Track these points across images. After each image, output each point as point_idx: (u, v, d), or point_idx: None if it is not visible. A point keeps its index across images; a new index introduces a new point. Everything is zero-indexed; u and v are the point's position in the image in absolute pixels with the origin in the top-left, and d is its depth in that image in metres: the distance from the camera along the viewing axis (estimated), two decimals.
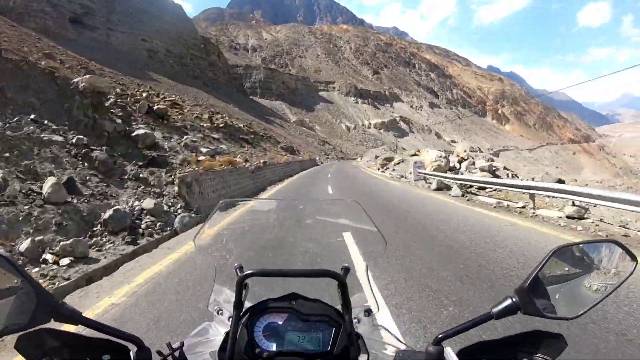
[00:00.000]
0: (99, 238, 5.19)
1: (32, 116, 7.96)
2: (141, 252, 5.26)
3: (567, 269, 0.71)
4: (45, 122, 8.06)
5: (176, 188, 7.22)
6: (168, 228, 6.27)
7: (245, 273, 0.73)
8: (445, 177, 13.68)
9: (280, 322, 0.74)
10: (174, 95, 30.79)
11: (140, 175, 7.55)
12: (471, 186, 11.68)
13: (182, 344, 0.72)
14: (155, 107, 15.88)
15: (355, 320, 0.78)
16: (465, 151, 17.44)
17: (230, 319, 0.75)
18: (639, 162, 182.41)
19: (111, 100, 14.78)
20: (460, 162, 16.79)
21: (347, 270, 0.80)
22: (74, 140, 7.59)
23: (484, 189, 11.16)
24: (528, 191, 8.33)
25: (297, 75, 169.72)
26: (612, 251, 0.70)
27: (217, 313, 0.85)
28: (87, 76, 10.59)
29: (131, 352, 0.66)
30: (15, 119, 7.43)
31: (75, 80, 9.67)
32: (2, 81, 8.64)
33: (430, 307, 3.03)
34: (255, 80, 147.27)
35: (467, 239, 5.36)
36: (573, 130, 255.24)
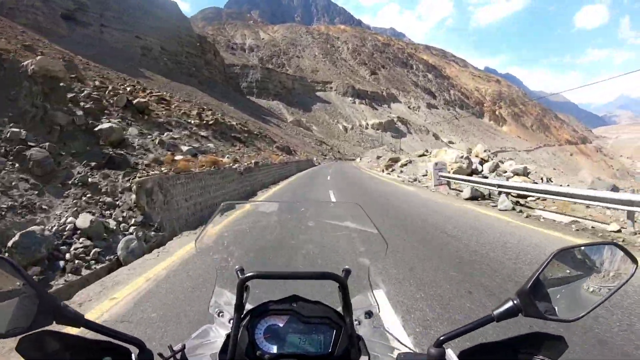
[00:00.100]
0: None
1: None
2: None
3: (568, 271, 0.71)
4: None
5: (134, 196, 5.60)
6: (108, 257, 4.61)
7: (246, 275, 0.73)
8: (484, 184, 10.69)
9: (281, 324, 0.74)
10: (164, 92, 29.09)
11: (90, 179, 5.90)
12: (525, 197, 8.90)
13: (184, 347, 0.72)
14: (135, 101, 14.21)
15: (356, 322, 0.79)
16: (485, 151, 15.24)
17: (231, 321, 0.75)
18: (635, 163, 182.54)
19: (86, 91, 13.15)
20: (481, 163, 14.71)
21: (348, 272, 0.81)
22: (8, 135, 5.95)
23: (524, 197, 8.90)
24: (627, 207, 5.98)
25: (294, 75, 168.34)
26: (613, 253, 0.71)
27: (218, 315, 0.85)
28: (38, 57, 8.92)
29: (133, 355, 0.67)
30: None
31: (25, 63, 8.00)
32: None
33: None
34: (252, 80, 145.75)
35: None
36: (570, 132, 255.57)
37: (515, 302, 0.67)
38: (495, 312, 0.68)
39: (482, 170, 14.22)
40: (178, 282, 3.73)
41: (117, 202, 5.58)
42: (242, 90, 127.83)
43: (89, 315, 3.88)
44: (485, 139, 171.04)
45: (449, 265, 4.23)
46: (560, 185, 9.79)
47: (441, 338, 0.67)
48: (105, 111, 12.45)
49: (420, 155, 25.96)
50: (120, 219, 5.28)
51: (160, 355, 0.68)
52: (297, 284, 0.78)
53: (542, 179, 11.39)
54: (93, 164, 6.52)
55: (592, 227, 6.63)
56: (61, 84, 8.73)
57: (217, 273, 0.93)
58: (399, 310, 2.99)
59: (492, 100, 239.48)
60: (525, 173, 12.53)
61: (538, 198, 8.68)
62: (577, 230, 6.49)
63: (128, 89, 20.64)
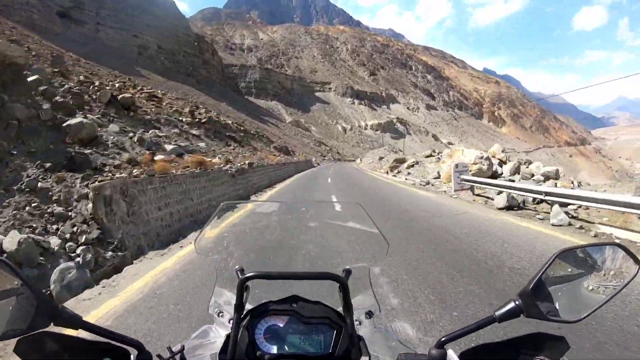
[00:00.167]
0: None
1: None
2: None
3: (570, 272, 0.71)
4: None
5: (90, 205, 4.54)
6: None
7: (246, 275, 0.73)
8: (524, 190, 8.37)
9: (281, 325, 0.74)
10: (156, 90, 28.03)
11: (40, 184, 4.86)
12: (566, 205, 6.91)
13: (183, 347, 0.71)
14: (120, 97, 13.17)
15: (356, 323, 0.79)
16: (503, 152, 13.78)
17: (231, 322, 0.75)
18: (634, 165, 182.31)
19: (67, 86, 12.17)
20: (500, 165, 13.15)
21: (348, 272, 0.81)
22: None
23: (564, 205, 6.80)
24: None
25: (293, 75, 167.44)
26: (615, 254, 0.71)
27: (218, 315, 0.85)
28: None
29: (132, 356, 0.66)
30: None
31: None
32: None
33: None
34: (250, 80, 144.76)
35: None
36: (569, 133, 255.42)
37: (517, 302, 0.67)
38: (497, 313, 0.68)
39: (502, 173, 12.77)
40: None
41: (70, 213, 4.52)
42: (240, 91, 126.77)
43: None
44: (484, 140, 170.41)
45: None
46: (625, 194, 7.21)
47: (442, 339, 0.66)
48: (86, 106, 11.44)
49: (427, 156, 24.25)
50: (69, 235, 4.19)
51: (159, 356, 0.67)
52: (297, 284, 0.77)
53: (572, 182, 10.12)
54: (48, 164, 5.47)
55: None
56: (25, 73, 7.67)
57: (217, 273, 0.92)
58: None
59: (491, 101, 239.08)
60: (557, 176, 10.91)
61: (580, 207, 7.10)
62: None
63: (117, 85, 19.58)
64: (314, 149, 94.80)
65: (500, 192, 9.37)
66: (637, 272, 0.68)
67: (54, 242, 4.01)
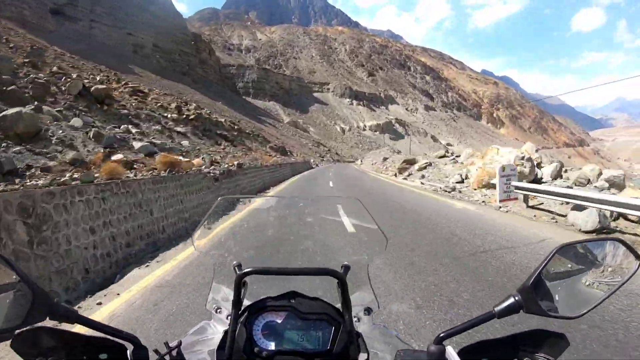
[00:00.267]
0: None
1: None
2: None
3: (570, 267, 0.70)
4: None
5: None
6: None
7: (244, 271, 0.72)
8: (622, 206, 5.82)
9: (279, 321, 0.73)
10: (141, 85, 26.44)
11: None
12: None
13: (180, 343, 0.71)
14: (92, 89, 11.61)
15: (355, 319, 0.78)
16: (536, 151, 11.87)
17: (229, 318, 0.74)
18: (633, 166, 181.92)
19: (32, 76, 10.68)
20: (535, 167, 10.85)
21: (347, 268, 0.81)
22: None
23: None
24: None
25: (291, 75, 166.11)
26: (616, 249, 0.70)
27: (216, 311, 0.84)
28: None
29: (128, 351, 0.66)
30: None
31: None
32: None
33: None
34: (248, 80, 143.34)
35: None
36: (568, 134, 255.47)
37: (516, 298, 0.66)
38: (497, 309, 0.67)
39: (542, 177, 10.67)
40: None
41: None
42: (238, 91, 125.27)
43: None
44: (483, 141, 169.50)
45: None
46: None
47: (441, 335, 0.66)
48: (49, 98, 9.91)
49: (440, 157, 22.12)
50: None
51: (156, 351, 0.67)
52: (295, 280, 0.76)
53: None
54: None
55: None
56: None
57: (215, 269, 0.92)
58: None
59: (490, 102, 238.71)
60: (623, 184, 8.77)
61: None
62: None
63: (98, 78, 18.00)
64: (312, 149, 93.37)
65: (576, 206, 6.89)
66: (638, 267, 0.67)
67: None
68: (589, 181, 9.35)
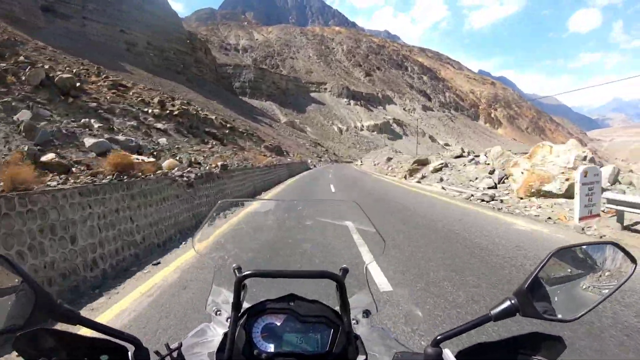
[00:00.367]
0: None
1: None
2: None
3: (566, 270, 0.71)
4: None
5: None
6: None
7: (244, 274, 0.73)
8: None
9: (278, 323, 0.74)
10: (140, 84, 25.09)
11: None
12: None
13: (181, 345, 0.72)
14: (57, 79, 10.31)
15: (353, 322, 0.79)
16: (584, 151, 9.73)
17: (229, 320, 0.75)
18: (630, 166, 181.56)
19: None
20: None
21: (345, 271, 0.81)
22: None
23: None
24: None
25: (288, 75, 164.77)
26: (612, 253, 0.71)
27: (216, 314, 0.85)
28: None
29: (129, 353, 0.67)
30: None
31: None
32: None
33: None
34: (245, 80, 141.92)
35: None
36: (565, 134, 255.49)
37: (512, 301, 0.66)
38: (493, 312, 0.68)
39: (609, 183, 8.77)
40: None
41: None
42: (234, 90, 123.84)
43: None
44: (481, 141, 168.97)
45: None
46: None
47: (438, 337, 0.67)
48: (3, 88, 8.61)
49: (457, 157, 19.50)
50: None
51: (157, 353, 0.68)
52: (294, 283, 0.77)
53: None
54: None
55: None
56: None
57: (215, 272, 0.92)
58: None
59: (487, 102, 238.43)
60: None
61: None
62: None
63: (74, 70, 16.68)
64: (310, 149, 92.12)
65: None
66: (634, 270, 0.67)
67: None
68: None
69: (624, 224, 6.60)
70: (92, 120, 9.19)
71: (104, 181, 4.74)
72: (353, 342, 0.72)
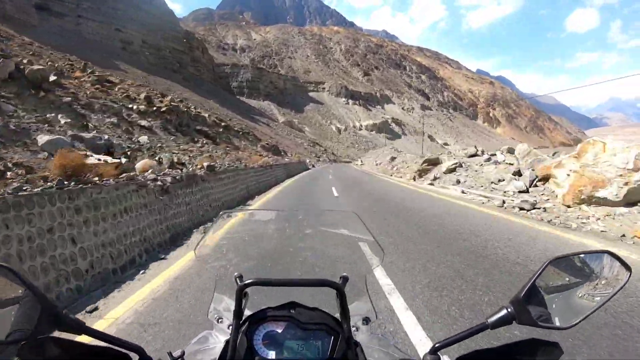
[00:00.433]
0: None
1: None
2: None
3: (562, 279, 0.72)
4: None
5: None
6: None
7: (245, 282, 0.74)
8: None
9: (279, 331, 0.75)
10: (129, 80, 24.11)
11: None
12: None
13: (183, 353, 0.73)
14: (27, 71, 9.39)
15: (353, 329, 0.81)
16: (627, 147, 8.15)
17: (230, 327, 0.76)
18: None
19: None
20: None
21: (345, 279, 0.82)
22: None
23: None
24: None
25: (286, 75, 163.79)
26: (607, 261, 0.72)
27: (217, 321, 0.87)
28: None
29: None
30: None
31: None
32: None
33: None
34: (242, 79, 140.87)
35: None
36: (564, 134, 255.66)
37: (509, 310, 0.68)
38: (490, 320, 0.69)
39: None
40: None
41: None
42: (232, 90, 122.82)
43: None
44: (479, 140, 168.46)
45: None
46: None
47: (436, 345, 0.68)
48: None
49: (471, 156, 17.81)
50: None
51: None
52: (295, 291, 0.78)
53: None
54: None
55: None
56: None
57: (216, 280, 0.94)
58: None
59: (486, 101, 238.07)
60: None
61: None
62: None
63: (56, 65, 15.73)
64: (308, 149, 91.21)
65: None
66: (628, 278, 0.69)
67: None
68: None
69: None
70: (60, 116, 8.25)
71: (36, 190, 3.47)
72: (353, 349, 0.72)
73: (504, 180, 11.47)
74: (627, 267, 0.69)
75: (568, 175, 8.37)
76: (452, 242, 5.52)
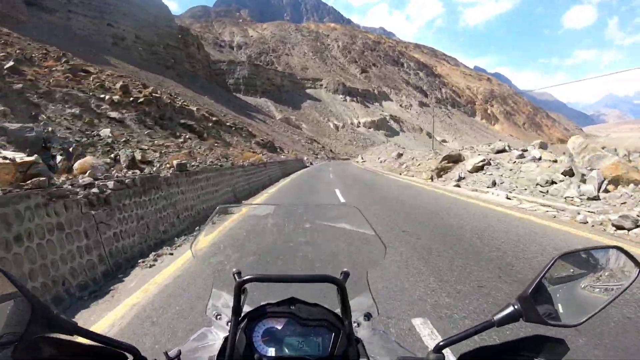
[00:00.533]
0: None
1: None
2: None
3: (570, 275, 0.71)
4: None
5: None
6: None
7: (244, 278, 0.72)
8: None
9: (279, 327, 0.74)
10: (108, 71, 22.69)
11: None
12: None
13: (179, 352, 0.72)
14: None
15: (355, 325, 0.80)
16: None
17: (229, 324, 0.75)
18: None
19: None
20: None
21: (346, 274, 0.82)
22: None
23: None
24: None
25: (283, 72, 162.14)
26: (616, 257, 0.71)
27: (216, 318, 0.86)
28: None
29: None
30: None
31: None
32: None
33: None
34: (239, 76, 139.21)
35: None
36: (562, 130, 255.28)
37: (515, 307, 0.67)
38: (496, 318, 0.68)
39: None
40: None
41: None
42: (228, 87, 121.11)
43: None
44: (478, 137, 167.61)
45: None
46: None
47: (441, 343, 0.67)
48: None
49: (498, 152, 15.32)
50: None
51: None
52: (295, 287, 0.77)
53: None
54: None
55: None
56: None
57: (215, 276, 0.93)
58: None
59: (484, 98, 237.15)
60: None
61: None
62: None
63: (25, 53, 14.33)
64: (305, 146, 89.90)
65: None
66: (638, 275, 0.68)
67: None
68: None
69: None
70: (5, 108, 6.87)
71: None
72: (354, 345, 0.71)
73: (554, 182, 9.34)
74: (637, 263, 0.68)
75: None
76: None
